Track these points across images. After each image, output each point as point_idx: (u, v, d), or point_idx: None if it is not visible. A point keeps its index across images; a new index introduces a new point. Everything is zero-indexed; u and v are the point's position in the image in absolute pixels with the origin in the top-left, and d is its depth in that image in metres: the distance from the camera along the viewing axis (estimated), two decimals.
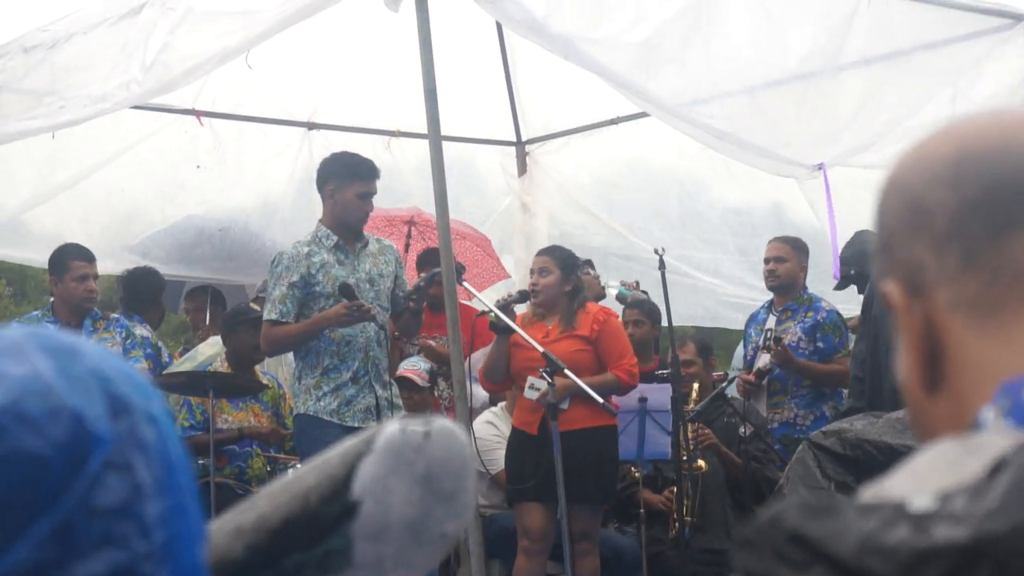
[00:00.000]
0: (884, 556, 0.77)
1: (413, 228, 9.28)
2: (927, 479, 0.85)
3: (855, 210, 8.12)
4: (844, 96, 7.09)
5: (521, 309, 7.29)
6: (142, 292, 8.37)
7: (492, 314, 6.68)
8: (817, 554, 0.79)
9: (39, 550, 0.85)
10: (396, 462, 1.17)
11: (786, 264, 8.15)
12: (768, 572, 0.81)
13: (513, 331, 6.63)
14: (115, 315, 7.67)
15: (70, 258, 7.36)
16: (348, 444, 1.20)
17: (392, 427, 1.19)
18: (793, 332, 8.03)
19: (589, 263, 8.80)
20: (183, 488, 0.96)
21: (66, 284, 7.33)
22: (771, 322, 8.21)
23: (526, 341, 6.58)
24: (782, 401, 8.00)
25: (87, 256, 7.40)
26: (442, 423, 1.20)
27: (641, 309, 8.44)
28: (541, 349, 6.47)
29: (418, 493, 1.16)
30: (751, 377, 7.94)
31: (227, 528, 1.18)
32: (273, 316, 6.55)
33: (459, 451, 1.19)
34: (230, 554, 1.16)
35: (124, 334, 7.46)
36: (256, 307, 7.97)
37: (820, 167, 6.99)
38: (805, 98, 7.13)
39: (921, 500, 0.81)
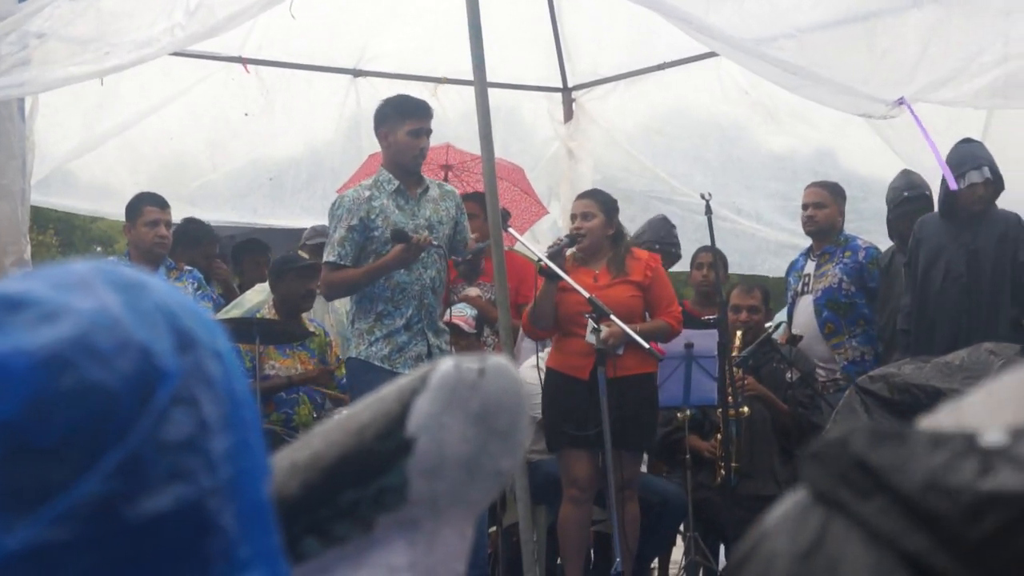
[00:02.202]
0: (948, 496, 0.75)
1: (450, 172, 9.26)
2: (1006, 407, 0.82)
3: (907, 152, 8.06)
4: (912, 33, 7.00)
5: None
6: (181, 243, 8.43)
7: (540, 261, 6.67)
8: (881, 484, 0.77)
9: (108, 483, 0.86)
10: (451, 399, 1.17)
11: (825, 210, 8.12)
12: (831, 492, 0.79)
13: (561, 278, 6.61)
14: (188, 267, 7.73)
15: (144, 203, 7.46)
16: (403, 381, 1.21)
17: (446, 364, 1.19)
18: (833, 275, 8.01)
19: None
20: (248, 424, 0.97)
21: (138, 229, 7.42)
22: (809, 267, 8.19)
23: (574, 287, 6.57)
24: (842, 341, 7.98)
25: (160, 203, 7.47)
26: (496, 360, 1.20)
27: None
28: (587, 295, 6.46)
29: (473, 430, 1.17)
30: (783, 340, 7.95)
31: (282, 465, 1.20)
32: (332, 258, 6.61)
33: (513, 388, 1.20)
34: (285, 491, 1.17)
35: (196, 285, 7.53)
36: (304, 255, 8.00)
37: (901, 102, 6.89)
38: (875, 35, 7.05)
39: (993, 434, 0.77)
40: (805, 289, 8.17)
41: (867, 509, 0.77)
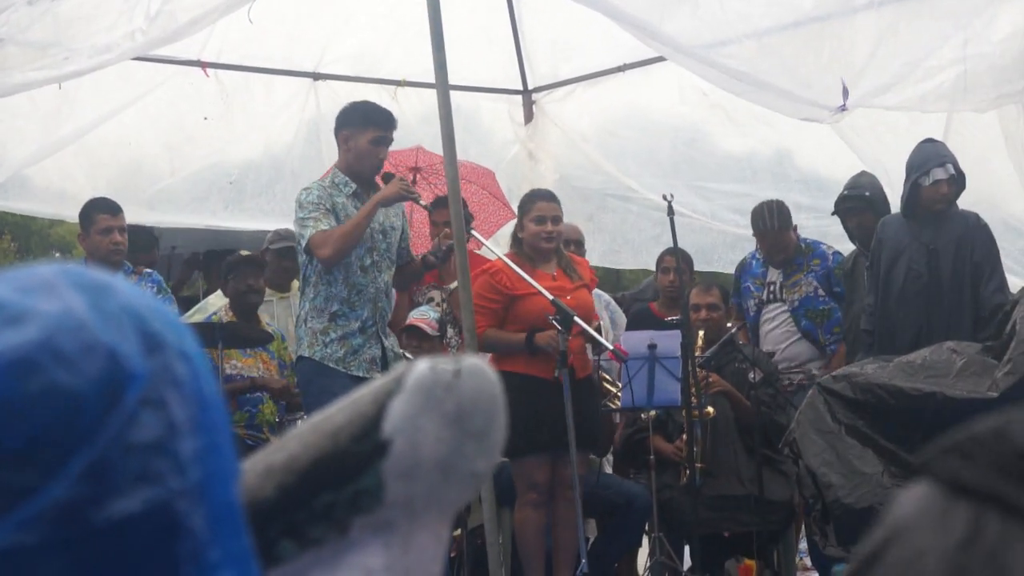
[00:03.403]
0: None
1: (418, 175, 9.24)
2: None
3: (866, 154, 8.13)
4: (860, 38, 7.06)
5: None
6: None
7: (557, 312, 6.55)
8: None
9: (75, 487, 0.85)
10: (426, 400, 1.16)
11: (790, 242, 8.12)
12: (985, 484, 0.77)
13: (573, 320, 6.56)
14: (148, 270, 7.69)
15: (95, 211, 7.37)
16: (378, 383, 1.20)
17: (422, 365, 1.18)
18: (807, 283, 8.03)
19: None
20: (217, 426, 0.95)
21: (92, 238, 7.34)
22: (774, 275, 8.17)
23: (539, 291, 6.58)
24: (822, 348, 8.03)
25: (112, 209, 7.38)
26: (472, 362, 1.19)
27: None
28: (550, 296, 6.47)
29: (448, 432, 1.16)
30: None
31: (257, 468, 1.18)
32: (322, 227, 6.51)
33: (489, 389, 1.18)
34: (260, 494, 1.16)
35: (156, 289, 7.48)
36: (247, 253, 8.03)
37: (842, 108, 6.95)
38: (822, 40, 7.10)
39: None
40: (772, 297, 8.16)
41: None
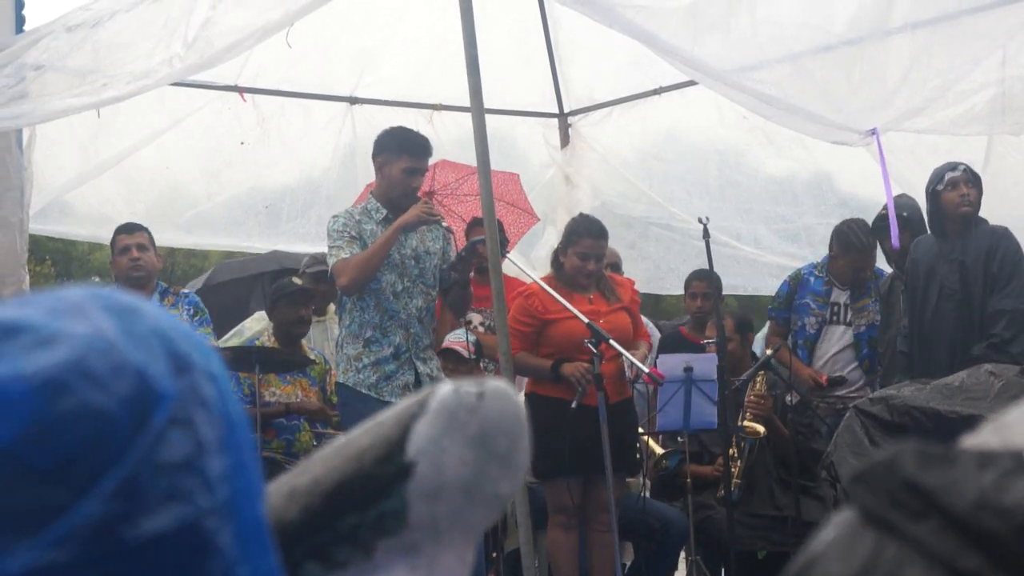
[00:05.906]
0: (1000, 516, 0.75)
1: (432, 198, 9.21)
2: None
3: (905, 176, 8.09)
4: (892, 61, 7.04)
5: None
6: None
7: (592, 334, 6.55)
8: (933, 505, 0.77)
9: (106, 505, 0.86)
10: (450, 423, 1.17)
11: (869, 269, 8.07)
12: (882, 514, 0.79)
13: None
14: (185, 291, 7.72)
15: (116, 234, 7.44)
16: (402, 405, 1.21)
17: (445, 388, 1.19)
18: (875, 310, 7.96)
19: None
20: (243, 445, 0.97)
21: (116, 261, 7.42)
22: (841, 296, 8.07)
23: (574, 314, 6.57)
24: (874, 380, 7.97)
25: (129, 228, 7.44)
26: (495, 384, 1.20)
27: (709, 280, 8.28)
28: (585, 320, 6.46)
29: (472, 454, 1.17)
30: (823, 380, 7.89)
31: (282, 491, 1.20)
32: (344, 255, 6.55)
33: (513, 412, 1.20)
34: (285, 516, 1.17)
35: (192, 310, 7.49)
36: (299, 281, 8.01)
37: (873, 132, 6.94)
38: (854, 64, 7.08)
39: None
40: (836, 319, 8.07)
41: (920, 530, 0.77)
